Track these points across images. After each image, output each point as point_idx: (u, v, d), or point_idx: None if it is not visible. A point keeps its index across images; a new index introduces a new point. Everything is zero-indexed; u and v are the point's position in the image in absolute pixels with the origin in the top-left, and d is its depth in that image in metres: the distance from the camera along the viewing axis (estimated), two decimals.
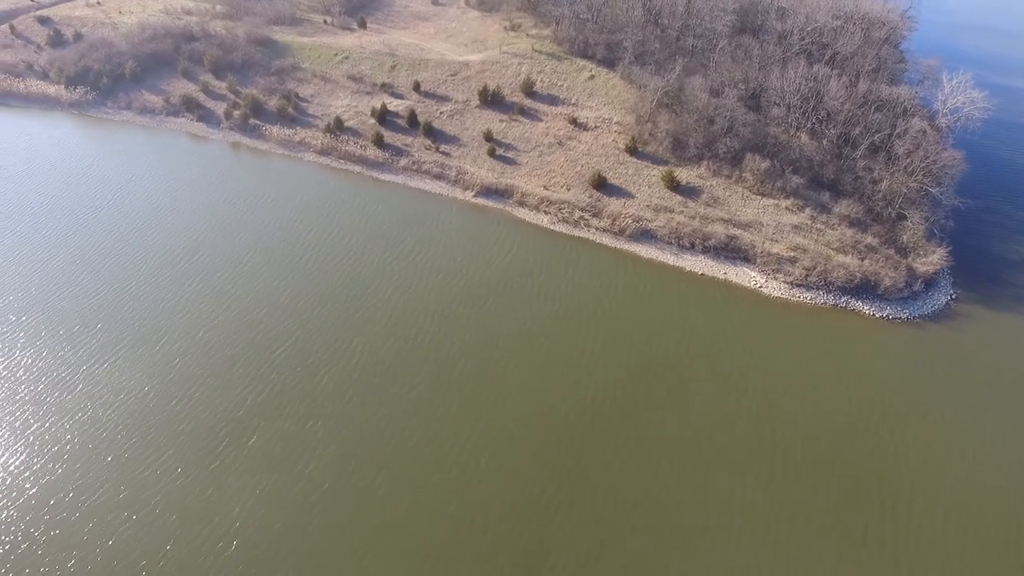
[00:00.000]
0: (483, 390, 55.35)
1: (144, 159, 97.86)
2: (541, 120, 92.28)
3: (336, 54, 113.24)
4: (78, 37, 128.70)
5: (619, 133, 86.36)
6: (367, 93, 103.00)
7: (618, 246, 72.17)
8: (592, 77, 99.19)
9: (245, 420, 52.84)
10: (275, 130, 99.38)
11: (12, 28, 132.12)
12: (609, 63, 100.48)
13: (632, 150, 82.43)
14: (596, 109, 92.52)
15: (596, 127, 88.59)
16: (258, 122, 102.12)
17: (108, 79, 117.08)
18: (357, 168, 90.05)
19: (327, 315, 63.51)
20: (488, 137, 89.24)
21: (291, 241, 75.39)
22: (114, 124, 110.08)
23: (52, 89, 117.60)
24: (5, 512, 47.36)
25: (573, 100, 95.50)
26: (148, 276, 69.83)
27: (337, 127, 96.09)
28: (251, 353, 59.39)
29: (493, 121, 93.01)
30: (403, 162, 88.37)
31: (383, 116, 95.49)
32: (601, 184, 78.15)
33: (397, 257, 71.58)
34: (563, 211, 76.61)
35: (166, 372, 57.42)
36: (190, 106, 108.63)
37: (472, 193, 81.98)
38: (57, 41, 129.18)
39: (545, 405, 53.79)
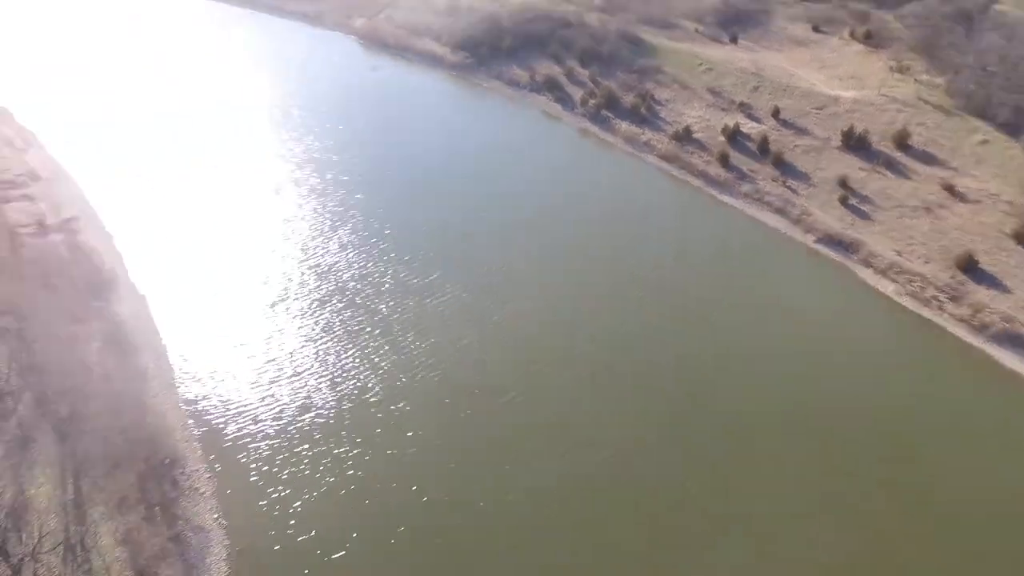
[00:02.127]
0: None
1: (502, 123, 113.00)
2: (909, 178, 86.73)
3: (700, 64, 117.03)
4: (471, 9, 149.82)
5: (1008, 214, 77.87)
6: (723, 109, 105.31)
7: (974, 343, 65.80)
8: (985, 142, 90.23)
9: None
10: (624, 126, 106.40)
11: None
12: (1013, 129, 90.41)
13: (1021, 237, 74.12)
14: (982, 180, 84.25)
15: (977, 200, 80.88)
16: (609, 115, 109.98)
17: (487, 49, 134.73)
18: (697, 182, 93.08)
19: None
20: (843, 183, 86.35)
21: (621, 238, 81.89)
22: (482, 89, 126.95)
23: (441, 50, 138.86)
24: None
25: (954, 164, 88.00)
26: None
27: (685, 136, 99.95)
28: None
29: (852, 167, 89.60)
30: (745, 187, 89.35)
31: (734, 136, 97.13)
32: (970, 267, 71.57)
33: (726, 288, 72.94)
34: (914, 284, 71.84)
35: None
36: (551, 87, 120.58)
37: (813, 238, 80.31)
38: (451, 11, 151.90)
39: None
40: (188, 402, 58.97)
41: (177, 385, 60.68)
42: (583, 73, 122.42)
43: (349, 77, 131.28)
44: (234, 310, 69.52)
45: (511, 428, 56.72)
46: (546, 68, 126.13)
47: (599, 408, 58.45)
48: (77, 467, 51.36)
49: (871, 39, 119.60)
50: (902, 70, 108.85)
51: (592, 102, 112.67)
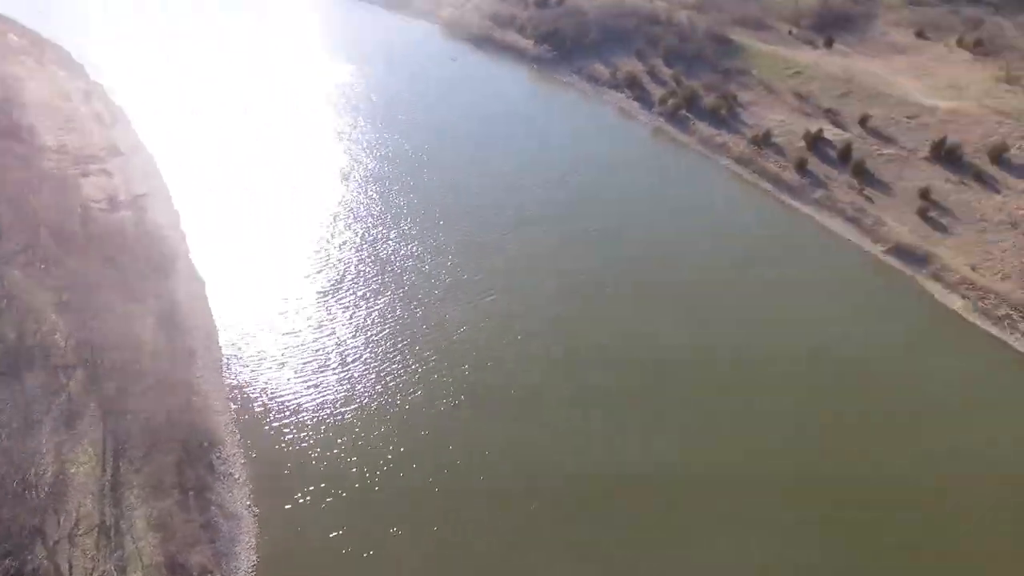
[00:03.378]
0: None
1: (575, 119, 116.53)
2: (998, 192, 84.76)
3: (788, 67, 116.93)
4: (560, 2, 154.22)
5: None
6: (807, 114, 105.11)
7: None
8: None
9: None
10: (701, 127, 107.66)
11: None
12: None
13: None
14: None
15: None
16: (688, 115, 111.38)
17: (571, 43, 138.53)
18: (768, 186, 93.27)
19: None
20: (924, 195, 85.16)
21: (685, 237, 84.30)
22: (560, 84, 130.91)
23: (523, 43, 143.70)
24: None
25: None
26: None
27: (763, 140, 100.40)
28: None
29: (937, 179, 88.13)
30: (818, 194, 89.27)
31: (815, 142, 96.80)
32: None
33: (778, 295, 73.66)
34: (986, 301, 70.66)
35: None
36: (632, 84, 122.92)
37: (883, 248, 79.82)
38: (541, 3, 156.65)
39: None
40: (232, 386, 63.90)
41: (224, 368, 65.87)
42: (666, 72, 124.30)
43: (427, 67, 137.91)
44: (288, 297, 74.37)
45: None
46: (629, 65, 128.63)
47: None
48: (118, 446, 56.22)
49: (980, 47, 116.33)
50: (1012, 80, 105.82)
51: (671, 101, 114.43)
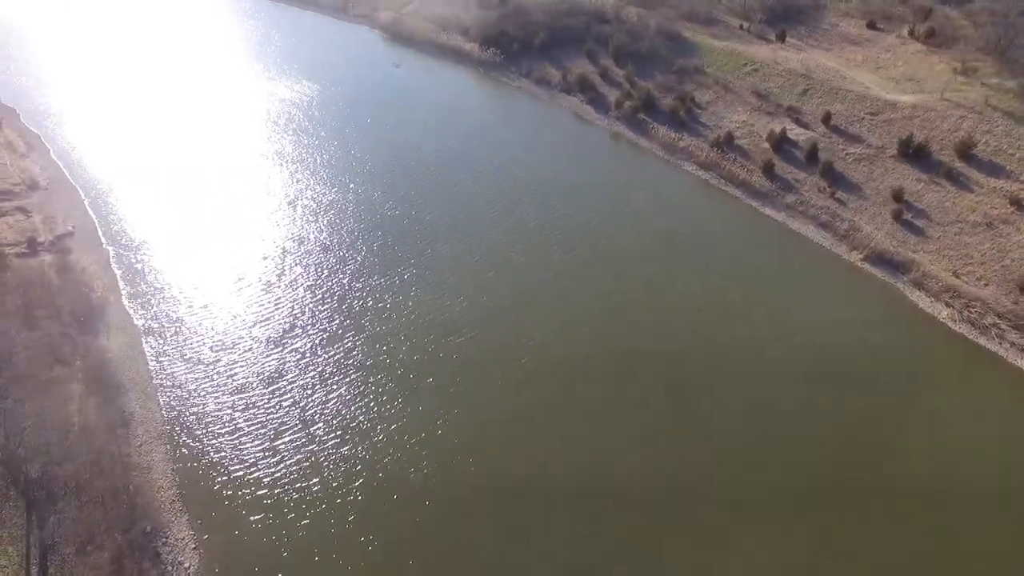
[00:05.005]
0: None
1: (529, 126, 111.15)
2: (971, 191, 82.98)
3: (745, 64, 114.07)
4: (503, 2, 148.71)
5: None
6: (768, 113, 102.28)
7: None
8: None
9: None
10: (661, 131, 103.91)
11: None
12: None
13: None
14: None
15: None
16: (646, 118, 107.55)
17: (518, 45, 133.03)
18: (737, 192, 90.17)
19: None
20: (897, 196, 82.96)
21: (647, 250, 79.79)
22: (510, 88, 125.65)
23: (468, 46, 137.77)
24: None
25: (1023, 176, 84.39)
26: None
27: (726, 142, 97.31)
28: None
29: (908, 179, 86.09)
30: (789, 199, 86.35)
31: (780, 143, 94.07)
32: None
33: (757, 308, 70.65)
34: (971, 310, 68.42)
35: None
36: (584, 87, 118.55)
37: (860, 255, 77.20)
38: (484, 3, 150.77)
39: None
40: (176, 456, 57.30)
41: (165, 435, 59.08)
42: (619, 73, 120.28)
43: (369, 74, 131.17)
44: (235, 343, 67.90)
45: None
46: (579, 67, 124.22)
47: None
48: (45, 543, 49.71)
49: (933, 38, 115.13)
50: (968, 72, 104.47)
51: (627, 104, 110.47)
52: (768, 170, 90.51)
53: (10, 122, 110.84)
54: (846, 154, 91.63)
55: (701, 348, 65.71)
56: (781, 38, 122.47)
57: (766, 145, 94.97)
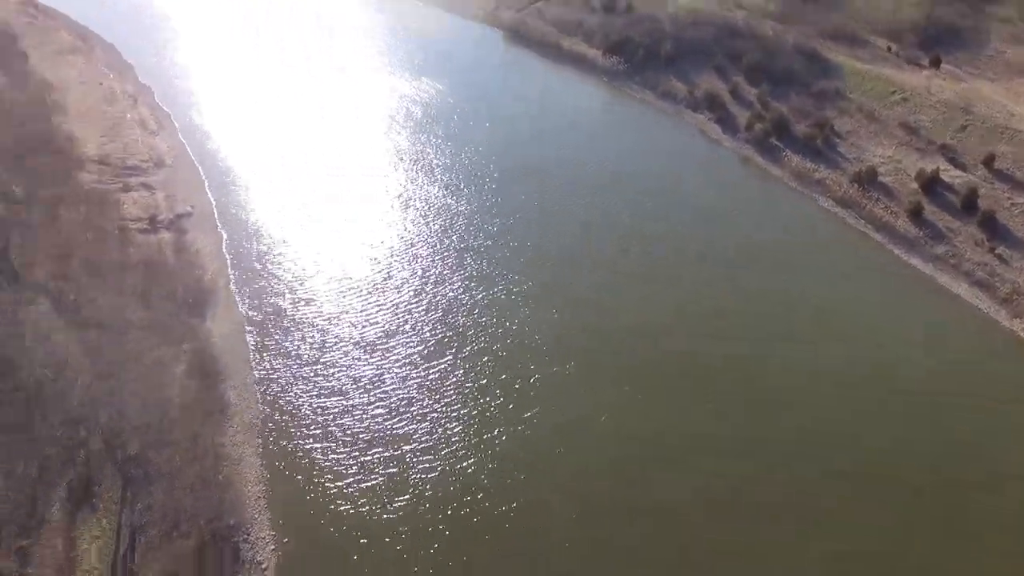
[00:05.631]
0: None
1: (650, 143, 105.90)
2: None
3: (893, 91, 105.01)
4: (629, 8, 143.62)
5: None
6: (918, 150, 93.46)
7: None
8: None
9: None
10: (795, 159, 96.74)
11: None
12: None
13: None
14: None
15: None
16: (778, 143, 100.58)
17: (643, 55, 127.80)
18: (877, 236, 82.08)
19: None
20: None
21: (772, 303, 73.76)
22: (633, 100, 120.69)
23: (591, 52, 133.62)
24: None
25: None
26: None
27: (868, 179, 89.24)
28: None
29: None
30: (939, 249, 77.85)
31: (931, 184, 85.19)
32: None
33: (897, 379, 63.49)
34: None
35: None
36: (712, 104, 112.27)
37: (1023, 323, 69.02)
38: (609, 8, 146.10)
39: None
40: (266, 452, 56.40)
41: (257, 428, 58.44)
42: (750, 91, 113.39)
43: (488, 75, 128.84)
44: (336, 345, 66.32)
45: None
46: (708, 82, 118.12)
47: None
48: (135, 523, 49.73)
49: None
50: None
51: (758, 127, 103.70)
52: (916, 214, 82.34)
53: (145, 100, 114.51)
54: (1012, 204, 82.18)
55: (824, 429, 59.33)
56: (935, 64, 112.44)
57: (914, 186, 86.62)
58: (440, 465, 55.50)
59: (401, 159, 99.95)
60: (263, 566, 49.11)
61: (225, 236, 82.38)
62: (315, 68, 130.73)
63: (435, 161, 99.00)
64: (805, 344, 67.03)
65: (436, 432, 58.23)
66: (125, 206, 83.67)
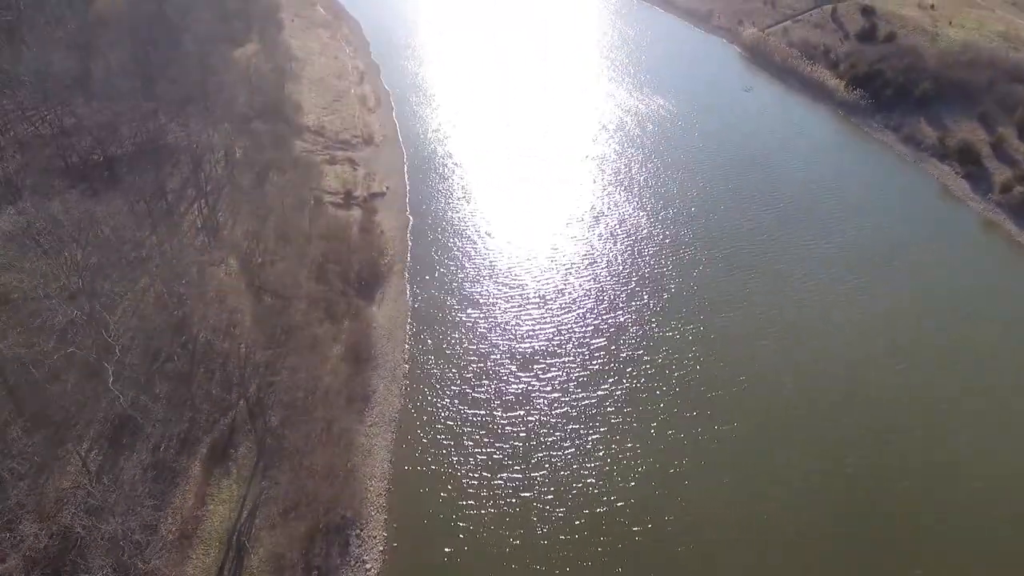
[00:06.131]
0: None
1: (881, 192, 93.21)
2: None
3: None
4: (889, 37, 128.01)
5: None
6: None
7: None
8: None
9: None
10: None
11: (834, 11, 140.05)
12: None
13: None
14: None
15: None
16: None
17: (892, 92, 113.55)
18: None
19: None
20: None
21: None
22: (870, 140, 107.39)
23: (832, 82, 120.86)
24: None
25: None
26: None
27: None
28: None
29: None
30: None
31: None
32: None
33: None
34: None
35: None
36: (964, 156, 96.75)
37: None
38: (865, 35, 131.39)
39: None
40: (398, 449, 55.63)
41: (395, 423, 57.85)
42: (1019, 148, 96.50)
43: (714, 94, 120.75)
44: (491, 355, 64.23)
45: None
46: (965, 130, 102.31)
47: None
48: (259, 496, 50.56)
49: None
50: None
51: (1018, 189, 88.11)
52: None
53: (371, 78, 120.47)
54: None
55: None
56: None
57: None
58: (563, 505, 51.46)
59: (603, 168, 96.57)
60: (368, 567, 48.18)
61: (412, 221, 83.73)
62: (542, 68, 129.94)
63: (637, 176, 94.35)
64: None
65: (568, 466, 54.41)
66: (327, 178, 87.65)
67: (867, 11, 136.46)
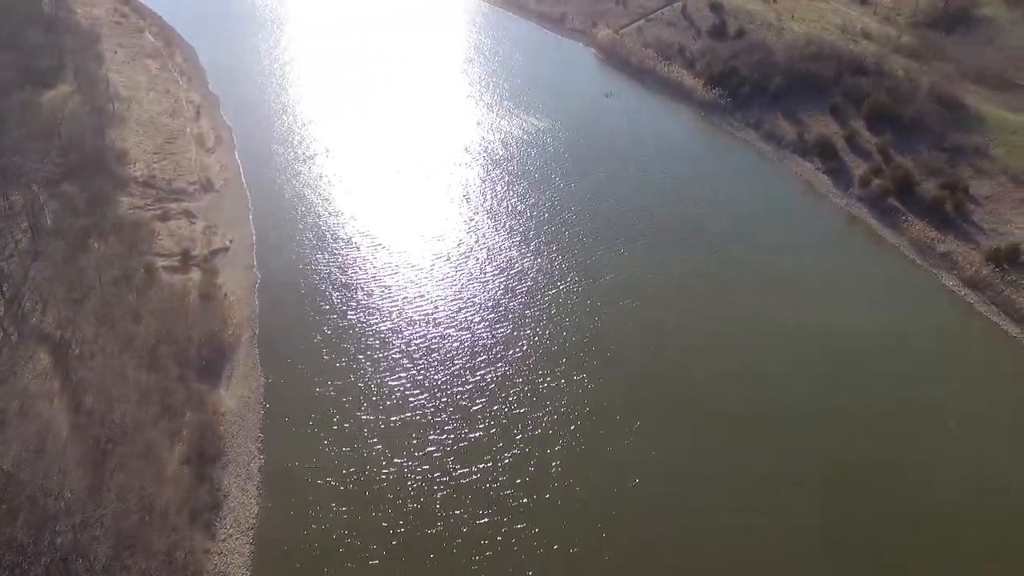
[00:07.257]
0: None
1: (748, 193, 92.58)
2: None
3: None
4: (739, 33, 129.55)
5: None
6: None
7: None
8: None
9: None
10: (916, 225, 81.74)
11: (684, 8, 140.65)
12: None
13: None
14: None
15: None
16: (897, 205, 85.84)
17: (749, 88, 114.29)
18: (1016, 331, 67.04)
19: None
20: None
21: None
22: (732, 140, 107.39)
23: (690, 81, 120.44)
24: None
25: None
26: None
27: (1009, 258, 73.92)
28: None
29: None
30: None
31: None
32: None
33: None
34: None
35: None
36: (823, 152, 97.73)
37: None
38: (717, 32, 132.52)
39: None
40: (257, 564, 47.84)
41: (253, 530, 50.01)
42: (870, 140, 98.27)
43: (576, 102, 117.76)
44: (360, 444, 56.37)
45: None
46: (821, 125, 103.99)
47: None
48: None
49: None
50: None
51: (876, 183, 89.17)
52: None
53: (209, 112, 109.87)
54: None
55: None
56: None
57: None
58: None
59: (467, 198, 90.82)
60: None
61: (260, 277, 75.24)
62: (394, 88, 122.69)
63: (505, 202, 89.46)
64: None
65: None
66: (160, 238, 77.84)
67: (715, 7, 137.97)
